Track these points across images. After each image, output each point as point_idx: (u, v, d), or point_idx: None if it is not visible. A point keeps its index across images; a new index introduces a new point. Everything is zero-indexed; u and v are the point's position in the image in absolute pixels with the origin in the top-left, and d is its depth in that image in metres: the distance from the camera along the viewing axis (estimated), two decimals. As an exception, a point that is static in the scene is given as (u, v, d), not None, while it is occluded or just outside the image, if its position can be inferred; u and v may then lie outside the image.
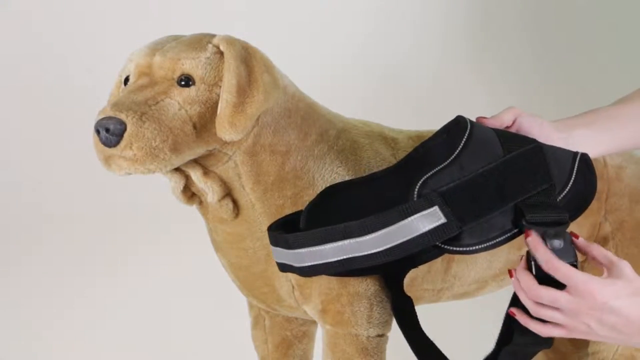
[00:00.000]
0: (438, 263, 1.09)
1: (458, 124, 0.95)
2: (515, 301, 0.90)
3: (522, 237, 0.88)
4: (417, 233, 0.87)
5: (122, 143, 0.90)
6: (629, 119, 1.01)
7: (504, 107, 1.00)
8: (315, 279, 1.02)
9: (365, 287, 1.03)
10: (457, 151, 0.92)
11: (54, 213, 1.84)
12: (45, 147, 1.84)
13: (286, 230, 0.96)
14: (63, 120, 1.82)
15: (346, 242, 0.89)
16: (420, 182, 0.90)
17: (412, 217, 0.86)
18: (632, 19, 1.87)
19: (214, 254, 1.14)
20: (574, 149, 0.95)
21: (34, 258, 1.83)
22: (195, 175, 0.99)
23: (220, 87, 0.96)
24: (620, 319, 0.81)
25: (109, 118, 0.89)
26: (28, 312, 1.79)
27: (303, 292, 1.05)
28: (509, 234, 0.88)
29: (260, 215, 1.03)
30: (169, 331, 1.78)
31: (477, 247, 0.88)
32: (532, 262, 0.85)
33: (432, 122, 1.02)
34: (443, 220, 0.86)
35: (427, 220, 0.86)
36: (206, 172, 1.00)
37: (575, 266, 0.83)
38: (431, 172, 0.91)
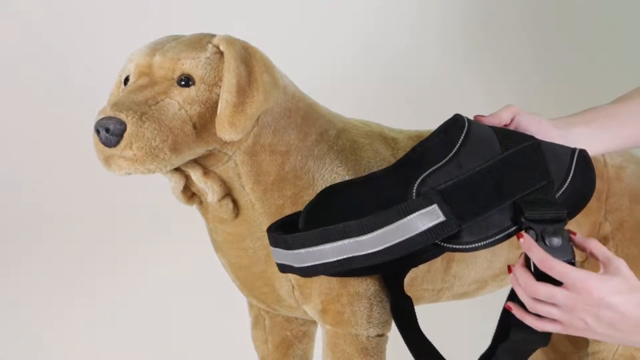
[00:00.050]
0: (438, 263, 1.09)
1: (456, 123, 0.95)
2: (512, 297, 0.90)
3: None
4: (416, 231, 0.87)
5: (122, 143, 0.90)
6: (629, 117, 1.01)
7: (503, 106, 1.01)
8: (315, 279, 1.02)
9: (365, 287, 1.03)
10: (455, 149, 0.92)
11: (54, 213, 1.84)
12: (45, 147, 1.84)
13: (286, 231, 0.96)
14: (63, 120, 1.82)
15: (345, 241, 0.89)
16: (418, 180, 0.90)
17: (411, 216, 0.86)
18: (632, 19, 1.87)
19: (214, 254, 1.14)
20: (574, 147, 0.95)
21: (34, 258, 1.83)
22: (195, 175, 0.99)
23: (220, 87, 0.96)
24: (616, 315, 0.81)
25: (109, 118, 0.89)
26: (28, 312, 1.79)
27: (303, 292, 1.05)
28: (508, 232, 0.88)
29: (260, 215, 1.03)
30: (169, 331, 1.78)
31: (476, 244, 0.88)
32: (531, 261, 0.85)
33: (432, 122, 1.02)
34: (442, 218, 0.86)
35: (426, 219, 0.86)
36: (206, 172, 1.00)
37: (573, 264, 0.83)
38: (429, 171, 0.91)
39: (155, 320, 1.79)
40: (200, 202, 1.06)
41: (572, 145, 0.95)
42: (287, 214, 1.01)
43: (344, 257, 0.90)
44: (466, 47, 1.90)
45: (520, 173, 0.90)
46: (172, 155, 0.92)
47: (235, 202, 1.03)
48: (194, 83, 0.95)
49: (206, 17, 1.74)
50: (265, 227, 1.01)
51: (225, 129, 0.94)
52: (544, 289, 0.82)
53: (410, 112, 1.83)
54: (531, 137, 0.94)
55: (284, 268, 0.97)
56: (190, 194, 1.04)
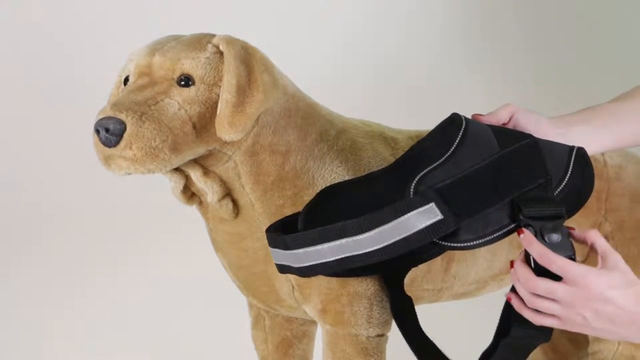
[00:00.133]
0: (438, 263, 1.09)
1: (453, 122, 0.95)
2: (514, 289, 0.90)
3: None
4: (414, 230, 0.87)
5: (122, 143, 0.89)
6: (628, 116, 1.00)
7: (501, 105, 1.01)
8: (314, 279, 1.02)
9: (365, 287, 1.03)
10: (453, 148, 0.92)
11: (54, 213, 1.84)
12: (45, 147, 1.85)
13: (285, 232, 0.96)
14: (63, 121, 1.82)
15: (343, 241, 0.89)
16: (416, 179, 0.90)
17: (408, 215, 0.86)
18: (632, 19, 1.87)
19: (213, 254, 1.14)
20: (572, 145, 0.95)
21: (34, 258, 1.83)
22: (195, 175, 0.99)
23: (220, 87, 0.96)
24: (615, 309, 0.81)
25: (109, 118, 0.89)
26: (28, 312, 1.80)
27: (303, 292, 1.05)
28: (506, 229, 0.88)
29: (260, 215, 1.03)
30: (169, 331, 1.78)
31: (475, 242, 0.88)
32: (531, 257, 0.85)
33: (431, 121, 1.02)
34: (440, 216, 0.86)
35: (423, 217, 0.86)
36: (206, 172, 1.00)
37: (573, 260, 0.83)
38: (427, 170, 0.91)
39: (155, 320, 1.79)
40: (200, 202, 1.06)
41: (571, 144, 0.95)
42: (287, 214, 1.01)
43: (342, 256, 0.90)
44: (466, 47, 1.90)
45: (518, 171, 0.90)
46: (172, 155, 0.92)
47: (235, 202, 1.03)
48: (193, 83, 0.95)
49: (206, 17, 1.75)
50: (265, 227, 1.01)
51: (225, 129, 0.93)
52: (544, 284, 0.82)
53: (410, 111, 1.83)
54: (529, 136, 0.94)
55: (283, 269, 0.97)
56: (190, 194, 1.04)
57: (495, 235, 0.88)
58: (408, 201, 0.87)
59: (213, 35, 1.00)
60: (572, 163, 0.92)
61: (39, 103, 1.84)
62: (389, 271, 1.04)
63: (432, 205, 0.86)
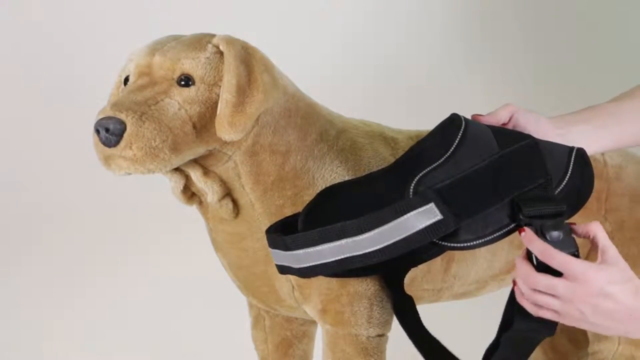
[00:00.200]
0: (438, 263, 1.09)
1: (453, 122, 0.96)
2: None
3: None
4: (413, 230, 0.87)
5: (122, 143, 0.90)
6: (628, 116, 1.00)
7: (501, 105, 1.00)
8: (315, 279, 1.02)
9: (365, 287, 1.03)
10: (452, 148, 0.92)
11: (54, 213, 1.84)
12: (45, 147, 1.85)
13: (285, 233, 0.96)
14: (63, 121, 1.82)
15: (343, 241, 0.89)
16: (415, 179, 0.90)
17: (408, 215, 0.86)
18: (632, 19, 1.87)
19: (213, 254, 1.14)
20: (572, 145, 0.95)
21: (34, 258, 1.83)
22: (195, 175, 0.99)
23: (220, 87, 0.96)
24: (614, 305, 0.81)
25: (109, 118, 0.89)
26: (28, 312, 1.80)
27: (303, 292, 1.05)
28: (506, 229, 0.88)
29: (260, 215, 1.03)
30: (169, 331, 1.78)
31: (474, 242, 0.88)
32: (533, 254, 0.85)
33: (431, 121, 1.02)
34: (439, 216, 0.86)
35: (423, 217, 0.86)
36: (206, 172, 1.00)
37: (576, 256, 0.83)
38: (426, 170, 0.91)
39: (155, 320, 1.79)
40: (200, 202, 1.06)
41: (571, 144, 0.95)
42: (287, 214, 1.01)
43: (342, 257, 0.90)
44: (466, 47, 1.90)
45: (517, 171, 0.90)
46: (172, 155, 0.92)
47: (235, 202, 1.03)
48: (193, 83, 0.95)
49: (206, 17, 1.74)
50: (265, 227, 1.01)
51: (225, 129, 0.93)
52: (544, 280, 0.83)
53: (410, 111, 1.83)
54: (528, 136, 0.94)
55: (283, 269, 0.97)
56: (190, 194, 1.04)
57: (495, 235, 0.88)
58: (408, 201, 0.87)
59: (213, 35, 1.00)
60: (572, 163, 0.92)
61: (39, 103, 1.84)
62: (389, 271, 1.04)
63: (431, 205, 0.86)
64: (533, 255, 0.85)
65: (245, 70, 0.96)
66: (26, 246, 1.83)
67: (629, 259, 0.90)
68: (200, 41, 0.98)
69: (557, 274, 0.82)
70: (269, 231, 0.98)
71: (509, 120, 0.99)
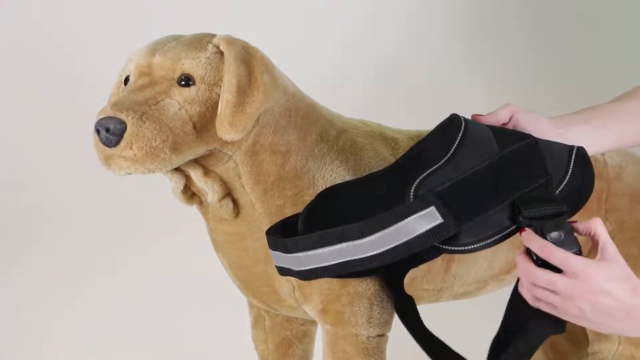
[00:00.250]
0: (438, 263, 1.09)
1: (452, 122, 0.95)
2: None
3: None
4: (415, 234, 0.87)
5: (122, 143, 0.89)
6: (629, 116, 1.00)
7: (501, 105, 1.00)
8: (315, 279, 1.02)
9: (366, 287, 1.03)
10: (452, 150, 0.92)
11: (54, 213, 1.84)
12: (45, 147, 1.85)
13: (285, 233, 0.96)
14: (63, 120, 1.82)
15: (343, 245, 0.89)
16: (415, 182, 0.90)
17: (409, 219, 0.86)
18: (632, 19, 1.87)
19: (213, 254, 1.14)
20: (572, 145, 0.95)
21: (34, 258, 1.83)
22: (196, 175, 0.99)
23: (221, 86, 0.96)
24: (613, 302, 0.81)
25: (109, 118, 0.89)
26: (28, 312, 1.80)
27: (303, 292, 1.05)
28: (506, 231, 0.88)
29: (260, 215, 1.03)
30: (169, 331, 1.78)
31: (475, 245, 0.88)
32: (533, 253, 0.85)
33: (431, 121, 1.02)
34: (440, 220, 0.86)
35: (423, 221, 0.86)
36: (206, 172, 1.00)
37: (579, 255, 0.83)
38: (426, 173, 0.91)
39: (155, 320, 1.79)
40: (201, 202, 1.06)
41: (571, 144, 0.95)
42: (287, 214, 1.01)
43: (343, 260, 0.90)
44: (466, 47, 1.90)
45: (517, 172, 0.89)
46: (173, 155, 0.92)
47: (235, 202, 1.03)
48: (194, 83, 0.95)
49: (206, 17, 1.75)
50: (265, 227, 1.01)
51: (225, 129, 0.93)
52: (544, 275, 0.83)
53: (410, 111, 1.83)
54: (529, 136, 0.93)
55: (283, 271, 0.97)
56: (190, 194, 1.04)
57: (495, 237, 0.88)
58: (408, 205, 0.87)
59: (213, 35, 1.00)
60: (572, 163, 0.92)
61: (39, 103, 1.84)
62: (389, 272, 1.04)
63: (432, 209, 0.86)
64: (533, 253, 0.85)
65: (246, 70, 0.96)
66: (26, 246, 1.83)
67: (629, 259, 0.90)
68: (200, 41, 0.98)
69: (557, 270, 0.82)
70: (269, 233, 0.97)
71: (509, 120, 0.99)
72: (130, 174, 0.92)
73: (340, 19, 1.89)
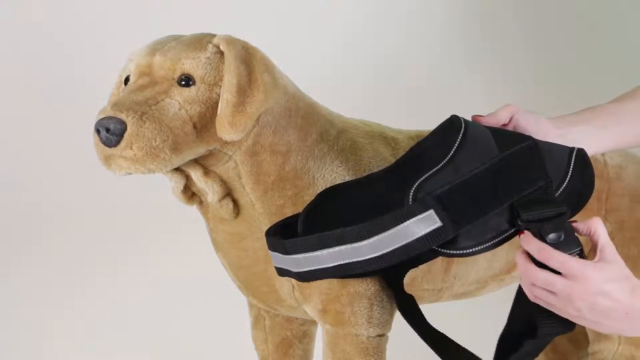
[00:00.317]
0: (438, 263, 1.09)
1: (452, 124, 0.95)
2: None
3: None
4: (413, 238, 0.87)
5: (123, 143, 0.89)
6: (629, 116, 1.00)
7: (501, 106, 1.00)
8: (315, 278, 1.02)
9: (366, 287, 1.03)
10: (452, 152, 0.92)
11: (54, 213, 1.84)
12: (45, 147, 1.85)
13: (285, 233, 0.96)
14: (63, 120, 1.82)
15: (342, 247, 0.89)
16: (415, 185, 0.90)
17: (408, 222, 0.86)
18: (632, 19, 1.87)
19: (213, 254, 1.14)
20: (572, 146, 0.95)
21: (34, 258, 1.83)
22: (196, 175, 0.99)
23: (221, 86, 0.96)
24: (611, 303, 0.81)
25: (109, 118, 0.89)
26: (28, 312, 1.79)
27: (303, 292, 1.05)
28: (505, 235, 0.88)
29: (260, 215, 1.03)
30: (169, 331, 1.78)
31: (473, 249, 0.88)
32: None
33: (431, 122, 1.02)
34: (439, 223, 0.86)
35: (422, 224, 0.86)
36: (206, 172, 1.00)
37: (580, 255, 0.83)
38: (426, 176, 0.91)
39: (155, 321, 1.79)
40: (201, 202, 1.06)
41: (572, 144, 0.95)
42: (287, 214, 1.01)
43: (341, 262, 0.90)
44: (466, 47, 1.90)
45: (517, 175, 0.89)
46: (173, 155, 0.92)
47: (235, 202, 1.03)
48: (194, 83, 0.95)
49: (206, 17, 1.74)
50: (265, 227, 1.01)
51: (225, 129, 0.93)
52: (543, 275, 0.83)
53: (410, 111, 1.83)
54: (528, 137, 0.93)
55: (282, 272, 0.97)
56: (190, 194, 1.04)
57: (494, 241, 0.88)
58: (407, 208, 0.87)
59: (213, 35, 1.00)
60: (572, 165, 0.92)
61: (39, 103, 1.84)
62: (389, 272, 1.04)
63: (431, 212, 0.86)
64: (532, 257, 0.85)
65: (246, 70, 0.96)
66: (26, 246, 1.83)
67: (629, 259, 0.90)
68: (200, 41, 0.98)
69: (557, 272, 0.83)
70: (269, 234, 0.97)
71: (510, 121, 0.99)
72: (130, 174, 0.92)
73: (340, 19, 1.89)
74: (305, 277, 0.94)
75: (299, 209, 0.99)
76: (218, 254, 1.13)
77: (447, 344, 1.02)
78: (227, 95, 0.94)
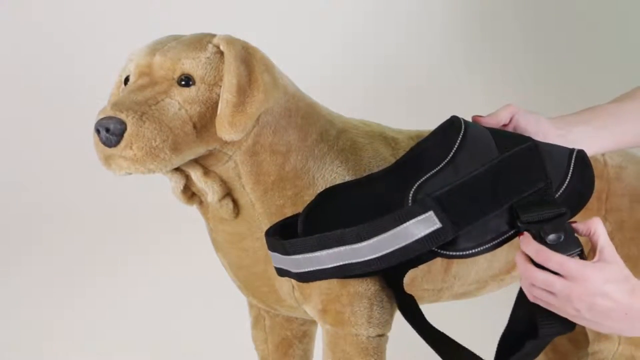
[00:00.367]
0: (438, 263, 1.09)
1: (452, 124, 0.95)
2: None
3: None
4: (413, 239, 0.87)
5: (123, 143, 0.89)
6: (629, 116, 1.00)
7: (502, 106, 1.00)
8: (315, 278, 1.02)
9: (365, 287, 1.03)
10: (452, 153, 0.92)
11: (54, 213, 1.84)
12: (45, 147, 1.85)
13: (285, 233, 0.96)
14: (63, 120, 1.82)
15: (342, 248, 0.89)
16: (414, 186, 0.90)
17: (408, 223, 0.86)
18: (632, 19, 1.87)
19: (213, 254, 1.14)
20: (572, 146, 0.94)
21: (34, 258, 1.83)
22: (196, 175, 0.99)
23: (221, 86, 0.96)
24: (611, 303, 0.81)
25: (109, 118, 0.89)
26: (28, 312, 1.80)
27: (303, 292, 1.05)
28: (504, 236, 0.88)
29: (260, 215, 1.03)
30: (169, 331, 1.78)
31: (473, 250, 0.88)
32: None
33: (431, 122, 1.02)
34: (438, 225, 0.86)
35: (422, 226, 0.86)
36: (206, 172, 1.00)
37: (581, 255, 0.83)
38: (425, 177, 0.91)
39: (155, 321, 1.79)
40: (201, 202, 1.06)
41: (572, 145, 0.95)
42: (287, 214, 1.01)
43: (341, 263, 0.91)
44: (466, 47, 1.90)
45: (517, 176, 0.89)
46: (173, 155, 0.92)
47: (235, 202, 1.03)
48: (194, 83, 0.95)
49: (206, 17, 1.74)
50: (265, 227, 1.01)
51: (225, 129, 0.93)
52: (542, 275, 0.83)
53: (410, 111, 1.83)
54: (528, 138, 0.93)
55: (281, 272, 0.97)
56: (190, 193, 1.04)
57: (493, 243, 0.88)
58: (407, 209, 0.87)
59: (213, 35, 1.00)
60: (572, 165, 0.92)
61: (39, 103, 1.84)
62: (389, 273, 1.04)
63: (430, 213, 0.86)
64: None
65: (246, 70, 0.96)
66: (26, 246, 1.83)
67: (629, 259, 0.90)
68: (200, 41, 0.98)
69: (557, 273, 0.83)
70: (268, 234, 0.97)
71: (510, 121, 0.99)
72: (130, 174, 0.92)
73: (340, 19, 1.89)
74: (305, 277, 0.94)
75: (299, 209, 0.99)
76: (218, 254, 1.13)
77: (448, 343, 1.02)
78: (227, 95, 0.94)
